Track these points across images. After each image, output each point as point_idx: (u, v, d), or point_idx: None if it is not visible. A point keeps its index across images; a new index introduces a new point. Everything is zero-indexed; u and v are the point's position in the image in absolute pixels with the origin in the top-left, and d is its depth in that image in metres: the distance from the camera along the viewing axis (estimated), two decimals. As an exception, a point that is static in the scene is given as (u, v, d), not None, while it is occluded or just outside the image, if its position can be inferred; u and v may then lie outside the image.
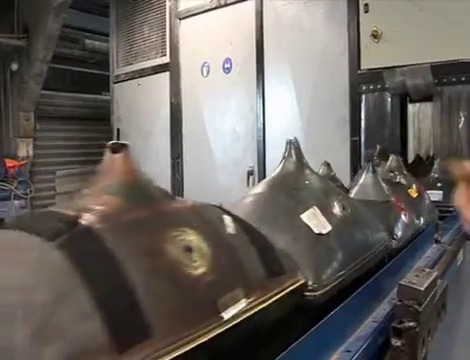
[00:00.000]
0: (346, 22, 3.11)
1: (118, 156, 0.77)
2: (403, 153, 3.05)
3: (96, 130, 5.41)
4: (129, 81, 4.55)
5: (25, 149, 4.90)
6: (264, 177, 3.40)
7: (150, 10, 4.39)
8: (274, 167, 3.37)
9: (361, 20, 3.05)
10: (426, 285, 1.02)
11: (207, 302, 0.65)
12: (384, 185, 1.66)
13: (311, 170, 1.31)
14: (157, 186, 0.83)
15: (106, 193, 0.72)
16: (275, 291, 0.77)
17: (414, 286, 1.00)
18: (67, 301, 0.53)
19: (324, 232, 1.05)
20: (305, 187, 1.21)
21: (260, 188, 1.23)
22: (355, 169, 3.01)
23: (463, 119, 2.79)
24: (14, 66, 4.75)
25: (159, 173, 4.17)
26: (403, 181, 1.98)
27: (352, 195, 1.64)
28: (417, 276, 1.10)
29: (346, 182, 2.89)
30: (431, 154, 2.97)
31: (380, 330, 0.97)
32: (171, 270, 0.64)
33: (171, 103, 4.13)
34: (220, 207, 0.92)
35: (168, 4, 4.19)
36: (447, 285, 1.30)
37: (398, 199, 1.61)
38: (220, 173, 3.77)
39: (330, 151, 3.19)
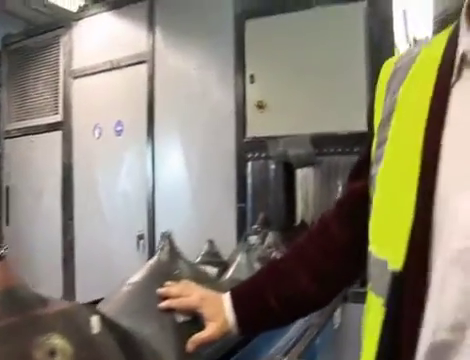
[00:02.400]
0: (233, 91, 3.24)
1: None
2: (290, 217, 3.17)
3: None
4: (21, 137, 4.42)
5: None
6: (154, 242, 3.42)
7: (43, 66, 4.32)
8: (164, 230, 3.39)
9: (247, 90, 3.18)
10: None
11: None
12: (257, 265, 1.82)
13: (184, 259, 1.39)
14: (32, 292, 0.87)
15: None
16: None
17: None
18: None
19: (186, 320, 1.11)
20: (176, 277, 1.26)
21: (137, 277, 1.29)
22: (241, 234, 3.09)
23: (340, 187, 2.94)
24: None
25: (50, 233, 4.08)
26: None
27: (228, 275, 1.74)
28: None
29: (232, 246, 2.97)
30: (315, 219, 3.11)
31: None
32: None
33: (63, 163, 4.06)
34: (91, 308, 0.98)
35: (62, 62, 4.16)
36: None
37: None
38: (112, 236, 3.73)
39: (217, 216, 3.26)
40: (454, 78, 0.76)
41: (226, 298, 1.06)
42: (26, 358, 0.73)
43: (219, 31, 3.36)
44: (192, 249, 3.16)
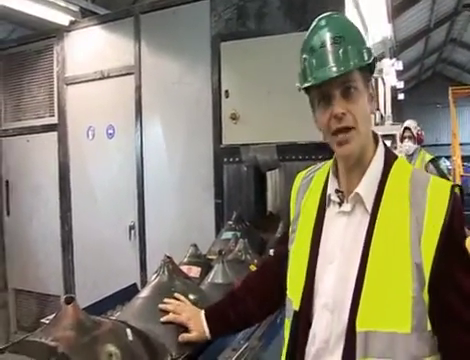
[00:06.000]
0: (211, 105, 3.75)
1: (70, 306, 1.37)
2: (260, 210, 3.76)
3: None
4: (18, 136, 4.86)
5: None
6: (144, 231, 3.98)
7: (38, 71, 4.73)
8: (152, 222, 3.94)
9: (222, 104, 3.69)
10: (234, 358, 1.66)
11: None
12: (228, 270, 2.29)
13: (177, 279, 1.89)
14: (92, 319, 1.42)
15: (66, 329, 1.34)
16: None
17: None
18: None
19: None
20: (172, 292, 1.78)
21: (145, 293, 1.83)
22: (218, 226, 3.68)
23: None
24: None
25: (48, 224, 4.58)
26: (249, 258, 2.66)
27: (209, 280, 2.24)
28: (233, 350, 1.74)
29: (211, 236, 3.53)
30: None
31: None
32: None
33: (59, 161, 4.54)
34: (125, 322, 1.57)
35: (55, 69, 4.59)
36: (261, 345, 1.95)
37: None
38: (105, 226, 4.26)
39: (199, 211, 3.83)
40: (326, 206, 1.41)
41: (202, 315, 1.65)
42: (98, 356, 1.29)
43: (197, 50, 3.83)
44: (178, 236, 3.75)
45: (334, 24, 1.34)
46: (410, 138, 5.61)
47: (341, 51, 1.28)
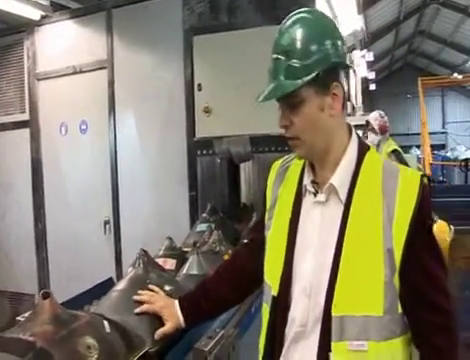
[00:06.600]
0: (184, 98, 3.77)
1: (47, 301, 1.36)
2: (236, 201, 3.79)
3: None
4: (-12, 133, 4.78)
5: None
6: (119, 226, 3.98)
7: (7, 66, 4.67)
8: (127, 216, 3.95)
9: (195, 97, 3.72)
10: (210, 345, 1.69)
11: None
12: (203, 262, 2.34)
13: (153, 272, 1.91)
14: (68, 312, 1.43)
15: (44, 323, 1.32)
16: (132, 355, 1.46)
17: (202, 348, 1.66)
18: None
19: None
20: (148, 284, 1.79)
21: (121, 286, 1.84)
22: (193, 218, 3.71)
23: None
24: None
25: (21, 221, 4.55)
26: (223, 249, 2.69)
27: (184, 271, 2.28)
28: (209, 338, 1.76)
29: (186, 228, 3.55)
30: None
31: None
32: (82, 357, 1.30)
33: (32, 158, 4.50)
34: (102, 315, 1.57)
35: (26, 64, 4.53)
36: (237, 333, 1.98)
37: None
38: (80, 222, 4.24)
39: (173, 204, 3.85)
40: (302, 195, 1.45)
41: (176, 305, 1.68)
42: (76, 353, 1.30)
43: (170, 43, 3.84)
44: (153, 229, 3.76)
45: (299, 26, 1.34)
46: (372, 130, 5.69)
47: (288, 65, 1.32)
